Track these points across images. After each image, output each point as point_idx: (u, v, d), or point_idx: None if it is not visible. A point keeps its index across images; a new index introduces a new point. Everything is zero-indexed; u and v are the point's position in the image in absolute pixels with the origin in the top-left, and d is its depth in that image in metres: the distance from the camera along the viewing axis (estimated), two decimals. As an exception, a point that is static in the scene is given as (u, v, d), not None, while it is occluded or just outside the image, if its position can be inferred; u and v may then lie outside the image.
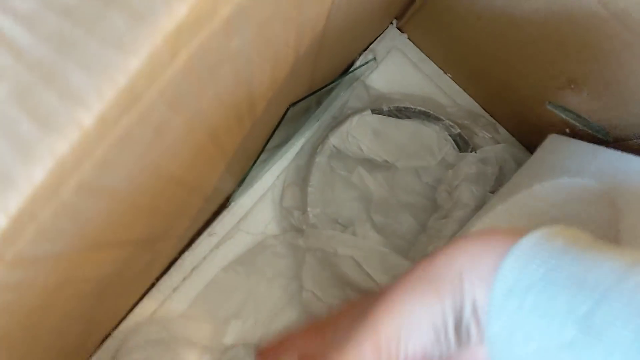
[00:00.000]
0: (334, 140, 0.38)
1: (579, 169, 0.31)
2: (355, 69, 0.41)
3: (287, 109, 0.36)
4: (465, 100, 0.43)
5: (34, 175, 0.12)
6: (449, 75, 0.44)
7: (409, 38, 0.43)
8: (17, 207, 0.12)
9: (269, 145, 0.38)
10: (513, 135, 0.43)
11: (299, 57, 0.26)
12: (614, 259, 0.16)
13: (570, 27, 0.29)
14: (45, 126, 0.12)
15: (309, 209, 0.36)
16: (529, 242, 0.18)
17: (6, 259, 0.13)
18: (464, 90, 0.43)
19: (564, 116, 0.35)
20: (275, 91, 0.27)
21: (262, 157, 0.38)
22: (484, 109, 0.43)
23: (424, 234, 0.36)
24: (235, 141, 0.28)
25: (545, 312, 0.16)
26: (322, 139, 0.38)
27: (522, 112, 0.41)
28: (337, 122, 0.39)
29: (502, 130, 0.43)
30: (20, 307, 0.17)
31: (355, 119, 0.38)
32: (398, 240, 0.37)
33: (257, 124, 0.31)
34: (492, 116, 0.43)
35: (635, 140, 0.33)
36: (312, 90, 0.38)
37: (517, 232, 0.19)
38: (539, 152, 0.36)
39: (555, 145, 0.36)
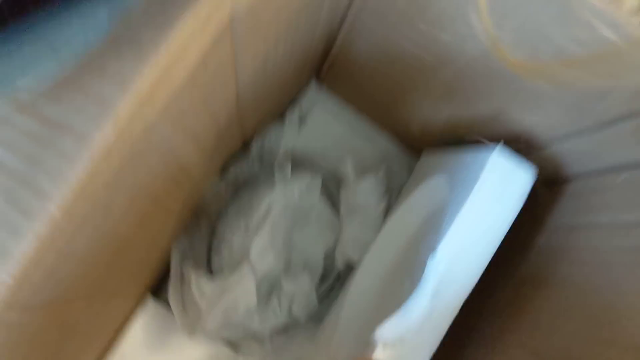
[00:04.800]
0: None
1: (437, 168, 0.41)
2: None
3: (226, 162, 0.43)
4: (382, 137, 0.51)
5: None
6: (366, 115, 0.51)
7: (328, 90, 0.51)
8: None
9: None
10: (415, 151, 0.52)
11: (220, 128, 0.33)
12: None
13: (446, 75, 0.37)
14: (23, 213, 0.19)
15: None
16: None
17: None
18: (380, 127, 0.51)
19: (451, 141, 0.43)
20: (206, 157, 0.34)
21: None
22: (396, 138, 0.51)
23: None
24: (179, 200, 0.35)
25: None
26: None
27: (424, 137, 0.48)
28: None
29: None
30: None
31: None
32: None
33: (197, 181, 0.37)
34: (400, 140, 0.51)
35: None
36: (247, 141, 0.45)
37: None
38: (417, 166, 0.46)
39: (426, 158, 0.47)
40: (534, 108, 0.33)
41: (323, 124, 0.50)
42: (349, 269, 0.47)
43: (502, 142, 0.34)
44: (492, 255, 0.34)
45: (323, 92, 0.51)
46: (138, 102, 0.20)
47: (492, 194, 0.33)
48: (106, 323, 0.38)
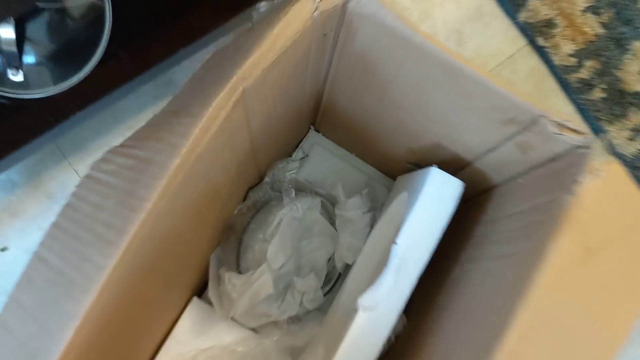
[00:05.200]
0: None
1: (403, 188, 0.54)
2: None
3: (247, 191, 0.58)
4: (366, 168, 0.66)
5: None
6: (354, 153, 0.66)
7: (323, 135, 0.66)
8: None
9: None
10: (392, 177, 0.66)
11: (240, 163, 0.48)
12: None
13: (399, 116, 0.52)
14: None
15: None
16: None
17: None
18: (364, 161, 0.66)
19: (413, 167, 0.57)
20: (231, 182, 0.49)
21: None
22: (377, 169, 0.66)
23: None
24: (213, 213, 0.50)
25: None
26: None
27: (397, 166, 0.63)
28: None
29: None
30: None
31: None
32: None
33: (226, 202, 0.52)
34: (380, 171, 0.66)
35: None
36: (262, 175, 0.60)
37: None
38: (392, 188, 0.60)
39: (398, 181, 0.60)
40: (458, 139, 0.48)
41: (320, 159, 0.65)
42: (347, 268, 0.60)
43: (436, 165, 0.48)
44: (436, 242, 0.47)
45: (320, 136, 0.66)
46: (191, 145, 0.35)
47: (429, 200, 0.47)
48: (165, 308, 0.52)
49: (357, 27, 0.41)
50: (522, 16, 0.76)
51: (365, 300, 0.47)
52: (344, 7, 0.40)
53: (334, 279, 0.62)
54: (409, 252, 0.47)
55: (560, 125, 0.38)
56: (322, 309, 0.61)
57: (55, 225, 0.39)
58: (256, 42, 0.38)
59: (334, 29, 0.43)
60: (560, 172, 0.40)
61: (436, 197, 0.48)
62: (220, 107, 0.36)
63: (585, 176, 0.37)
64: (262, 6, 0.49)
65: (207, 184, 0.43)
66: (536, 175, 0.43)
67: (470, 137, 0.47)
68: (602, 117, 0.74)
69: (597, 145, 0.38)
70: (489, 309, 0.40)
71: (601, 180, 0.37)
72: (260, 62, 0.38)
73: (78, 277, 0.35)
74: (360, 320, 0.47)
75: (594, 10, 0.77)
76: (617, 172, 0.38)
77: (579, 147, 0.38)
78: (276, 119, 0.50)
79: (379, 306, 0.47)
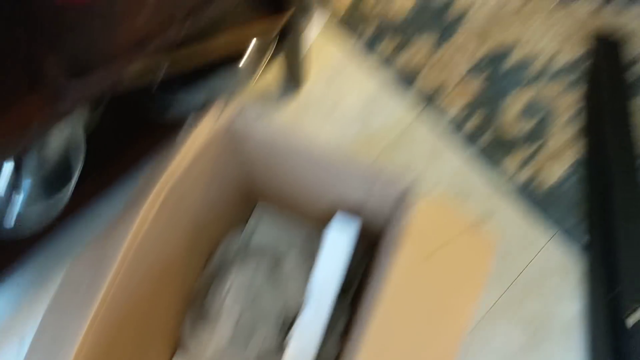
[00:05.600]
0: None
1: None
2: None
3: (205, 264, 0.74)
4: (305, 227, 0.81)
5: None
6: (295, 216, 0.82)
7: (268, 203, 0.83)
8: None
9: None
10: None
11: (190, 240, 0.64)
12: None
13: (306, 188, 0.68)
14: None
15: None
16: None
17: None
18: (304, 221, 0.82)
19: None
20: (183, 256, 0.65)
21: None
22: (314, 226, 0.81)
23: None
24: (174, 282, 0.65)
25: None
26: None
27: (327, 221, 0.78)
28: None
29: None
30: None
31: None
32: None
33: (185, 275, 0.68)
34: (317, 227, 0.81)
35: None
36: (214, 249, 0.76)
37: None
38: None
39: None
40: (348, 196, 0.64)
41: (267, 227, 0.81)
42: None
43: (341, 211, 0.64)
44: (343, 270, 0.62)
45: (266, 206, 0.83)
46: (134, 233, 0.51)
47: (334, 235, 0.62)
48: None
49: (247, 134, 0.59)
50: (416, 87, 0.94)
51: (294, 336, 0.61)
52: (233, 122, 0.57)
53: (289, 323, 0.76)
54: (322, 284, 0.62)
55: (390, 174, 0.54)
56: (282, 349, 0.74)
57: (49, 308, 0.54)
58: (175, 153, 0.56)
59: (233, 136, 0.60)
60: (404, 206, 0.55)
61: (338, 233, 0.63)
62: (154, 200, 0.53)
63: (414, 206, 0.52)
64: (187, 126, 0.68)
65: (158, 258, 0.58)
66: (397, 211, 0.59)
67: (353, 193, 0.63)
68: (493, 156, 0.90)
69: (419, 184, 0.54)
70: (364, 308, 0.54)
71: (427, 207, 0.53)
72: (179, 166, 0.55)
73: (71, 327, 0.50)
74: (290, 350, 0.61)
75: (475, 69, 0.95)
76: (439, 201, 0.54)
77: (409, 187, 0.54)
78: (214, 203, 0.67)
79: (303, 332, 0.61)
